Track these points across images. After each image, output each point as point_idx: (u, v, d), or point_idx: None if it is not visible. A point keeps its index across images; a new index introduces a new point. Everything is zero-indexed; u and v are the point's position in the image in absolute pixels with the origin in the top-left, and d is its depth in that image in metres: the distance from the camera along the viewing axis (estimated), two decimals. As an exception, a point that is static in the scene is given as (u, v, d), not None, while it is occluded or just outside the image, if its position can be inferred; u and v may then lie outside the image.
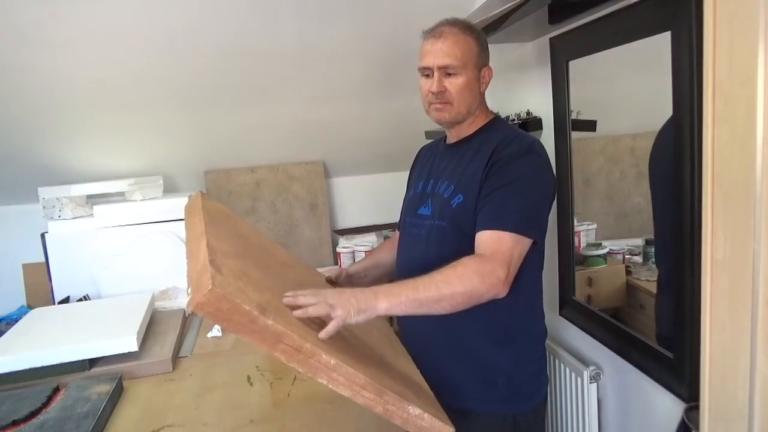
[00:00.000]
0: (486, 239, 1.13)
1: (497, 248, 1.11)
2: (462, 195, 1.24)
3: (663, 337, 1.27)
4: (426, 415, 0.97)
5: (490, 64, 1.30)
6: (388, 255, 1.50)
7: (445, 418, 1.02)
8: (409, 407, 0.96)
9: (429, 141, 1.53)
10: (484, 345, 1.26)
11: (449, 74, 1.23)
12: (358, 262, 1.59)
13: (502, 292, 1.09)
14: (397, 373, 1.10)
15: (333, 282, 1.41)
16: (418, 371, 1.20)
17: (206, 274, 0.86)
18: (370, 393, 0.94)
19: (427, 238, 1.30)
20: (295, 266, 1.30)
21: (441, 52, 1.23)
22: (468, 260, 1.10)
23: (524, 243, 1.15)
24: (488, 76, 1.30)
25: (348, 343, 1.05)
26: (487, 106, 1.35)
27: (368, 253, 2.26)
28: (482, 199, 1.19)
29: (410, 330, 1.37)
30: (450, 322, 1.13)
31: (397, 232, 1.51)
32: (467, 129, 1.32)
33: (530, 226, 1.16)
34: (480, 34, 1.29)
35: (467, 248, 1.20)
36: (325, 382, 0.92)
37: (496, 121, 1.35)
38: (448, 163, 1.33)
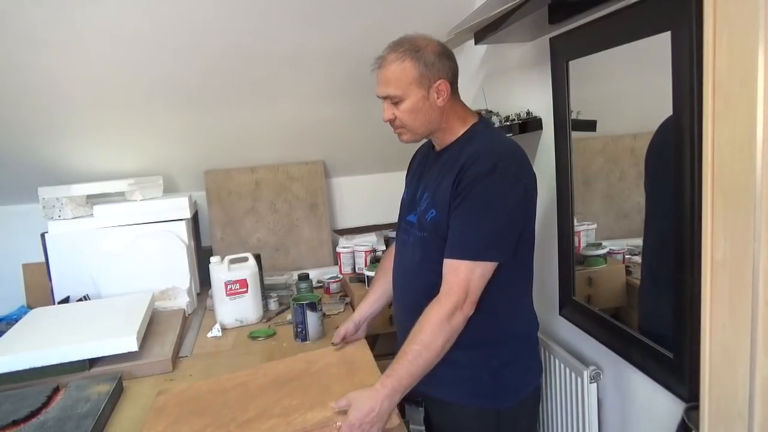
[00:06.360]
0: (446, 271, 1.21)
1: (454, 279, 1.19)
2: (434, 210, 1.26)
3: (645, 330, 1.31)
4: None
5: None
6: (387, 280, 1.50)
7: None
8: (339, 423, 1.12)
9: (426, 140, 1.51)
10: (468, 352, 1.26)
11: (395, 102, 1.25)
12: (363, 301, 1.57)
13: (468, 313, 1.19)
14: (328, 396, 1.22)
15: (346, 339, 1.48)
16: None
17: None
18: None
19: (413, 246, 1.33)
20: (278, 386, 1.32)
21: (382, 82, 1.26)
22: (432, 312, 1.18)
23: (484, 266, 1.19)
24: (444, 89, 1.24)
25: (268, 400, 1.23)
26: (463, 114, 1.31)
27: (368, 252, 2.27)
28: (450, 221, 1.22)
29: (401, 335, 1.38)
30: None
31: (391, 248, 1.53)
32: (448, 138, 1.31)
33: (489, 250, 1.20)
34: (421, 54, 1.22)
35: None
36: None
37: (477, 128, 1.31)
38: (432, 171, 1.34)
